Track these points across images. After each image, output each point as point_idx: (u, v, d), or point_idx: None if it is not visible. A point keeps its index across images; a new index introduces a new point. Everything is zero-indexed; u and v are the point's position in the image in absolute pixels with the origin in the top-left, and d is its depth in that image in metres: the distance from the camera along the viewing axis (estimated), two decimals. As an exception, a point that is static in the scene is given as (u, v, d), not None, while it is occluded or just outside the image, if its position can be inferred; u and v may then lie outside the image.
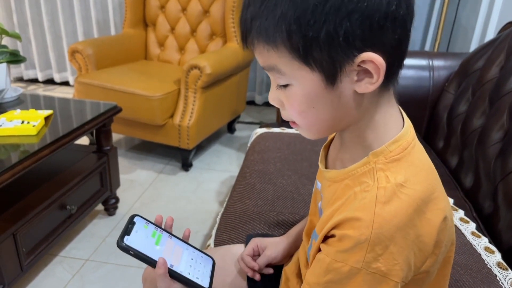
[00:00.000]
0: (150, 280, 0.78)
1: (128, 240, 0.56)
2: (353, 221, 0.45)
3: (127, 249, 0.56)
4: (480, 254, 0.87)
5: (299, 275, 0.66)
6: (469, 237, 0.93)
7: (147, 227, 0.61)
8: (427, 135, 1.52)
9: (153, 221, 0.63)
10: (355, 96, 0.46)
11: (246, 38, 0.47)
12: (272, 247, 0.75)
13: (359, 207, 0.45)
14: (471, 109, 1.26)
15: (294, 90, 0.47)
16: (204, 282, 0.60)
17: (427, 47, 2.50)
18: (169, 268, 0.56)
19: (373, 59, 0.43)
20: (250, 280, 0.75)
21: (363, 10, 0.41)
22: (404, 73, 1.78)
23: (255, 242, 0.76)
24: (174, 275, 0.57)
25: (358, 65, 0.44)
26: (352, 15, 0.41)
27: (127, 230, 0.58)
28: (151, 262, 0.56)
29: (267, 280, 0.75)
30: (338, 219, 0.46)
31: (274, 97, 0.51)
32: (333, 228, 0.47)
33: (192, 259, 0.62)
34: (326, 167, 0.58)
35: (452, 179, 1.22)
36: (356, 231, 0.44)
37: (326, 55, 0.43)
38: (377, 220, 0.43)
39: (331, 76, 0.45)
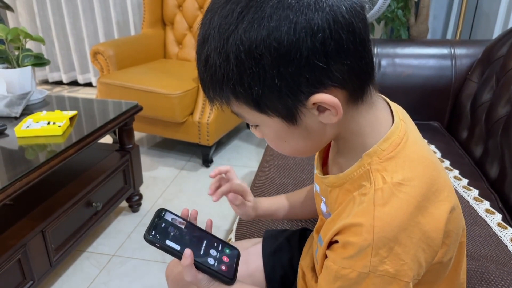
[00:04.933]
0: (172, 277, 0.80)
1: (154, 233, 0.57)
2: (354, 227, 0.44)
3: (153, 242, 0.57)
4: (506, 246, 0.85)
5: (313, 269, 0.66)
6: (495, 228, 0.91)
7: (173, 220, 0.62)
8: (450, 125, 1.49)
9: (179, 214, 0.64)
10: (322, 124, 0.46)
11: (205, 94, 0.48)
12: (254, 205, 0.73)
13: (359, 212, 0.45)
14: (496, 98, 1.22)
15: (263, 130, 0.50)
16: (229, 273, 0.60)
17: (448, 36, 2.44)
18: (194, 260, 0.57)
19: (323, 101, 0.42)
20: (268, 274, 0.75)
21: (298, 60, 0.40)
22: (426, 62, 1.73)
23: (246, 189, 0.73)
24: (199, 266, 0.57)
25: (314, 103, 0.43)
26: (288, 68, 0.41)
27: (153, 224, 0.59)
28: (177, 254, 0.57)
29: (284, 276, 0.75)
30: (340, 226, 0.46)
31: (254, 131, 0.53)
32: (336, 234, 0.47)
33: (216, 250, 0.63)
34: (327, 172, 0.58)
35: (477, 169, 1.19)
36: (358, 237, 0.44)
37: (278, 104, 0.44)
38: (377, 224, 0.43)
39: (290, 118, 0.45)
